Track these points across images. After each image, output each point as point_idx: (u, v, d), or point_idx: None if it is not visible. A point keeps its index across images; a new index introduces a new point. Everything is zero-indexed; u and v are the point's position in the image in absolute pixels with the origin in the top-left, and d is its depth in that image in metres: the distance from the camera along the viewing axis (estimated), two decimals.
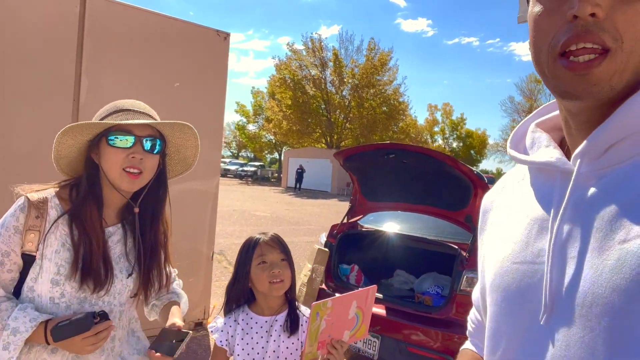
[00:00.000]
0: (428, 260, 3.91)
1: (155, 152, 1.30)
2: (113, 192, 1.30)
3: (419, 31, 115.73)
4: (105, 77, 3.35)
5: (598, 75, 0.53)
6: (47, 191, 1.28)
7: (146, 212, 1.36)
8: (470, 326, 0.92)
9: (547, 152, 0.64)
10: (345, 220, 3.85)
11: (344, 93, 33.59)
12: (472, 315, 0.91)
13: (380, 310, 3.12)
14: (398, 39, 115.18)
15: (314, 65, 33.51)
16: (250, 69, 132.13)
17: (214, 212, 4.12)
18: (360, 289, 1.26)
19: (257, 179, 37.61)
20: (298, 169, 28.47)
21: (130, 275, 1.33)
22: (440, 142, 54.12)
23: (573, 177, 0.58)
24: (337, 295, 1.25)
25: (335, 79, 33.23)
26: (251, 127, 49.01)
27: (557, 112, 0.69)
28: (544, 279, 0.58)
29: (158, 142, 1.31)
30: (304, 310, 1.58)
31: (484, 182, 3.02)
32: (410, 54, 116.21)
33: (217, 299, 4.87)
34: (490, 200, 0.79)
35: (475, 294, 0.86)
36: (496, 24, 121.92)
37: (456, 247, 3.13)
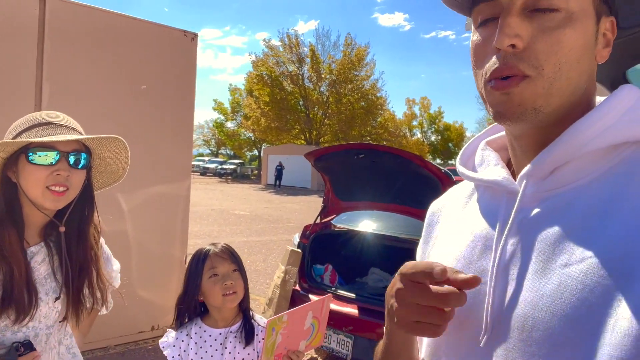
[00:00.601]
0: (403, 258, 3.93)
1: (80, 167, 1.22)
2: (34, 211, 1.21)
3: (396, 25, 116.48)
4: (68, 81, 3.27)
5: (519, 96, 0.55)
6: None
7: (72, 230, 1.28)
8: None
9: (494, 170, 0.65)
10: (318, 221, 3.86)
11: (321, 89, 33.56)
12: None
13: (353, 310, 3.14)
14: (375, 33, 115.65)
15: (291, 61, 33.36)
16: (228, 66, 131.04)
17: (186, 214, 4.07)
18: (315, 298, 1.26)
19: (237, 176, 37.34)
20: (277, 165, 28.37)
21: (57, 298, 1.24)
22: (419, 135, 54.64)
23: (518, 198, 0.58)
24: (292, 308, 1.25)
25: (312, 74, 33.15)
26: (230, 125, 48.61)
27: None
28: (486, 300, 0.57)
29: (83, 156, 1.22)
30: (259, 320, 1.57)
31: (452, 180, 3.05)
32: (388, 49, 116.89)
33: None
34: (436, 213, 0.79)
35: None
36: None
37: None
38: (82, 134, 1.25)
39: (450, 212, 0.75)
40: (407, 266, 0.59)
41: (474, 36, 0.61)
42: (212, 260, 1.50)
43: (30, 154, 1.15)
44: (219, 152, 61.77)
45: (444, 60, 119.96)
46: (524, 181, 0.59)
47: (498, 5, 0.56)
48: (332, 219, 3.98)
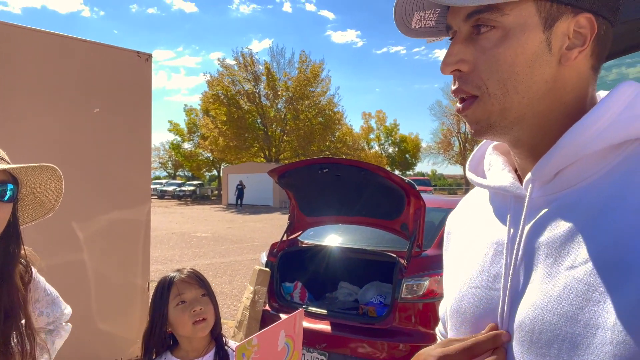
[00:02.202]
0: (371, 270, 3.96)
1: (6, 199, 1.04)
2: None
3: (349, 42, 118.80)
4: (14, 109, 3.10)
5: (472, 117, 0.60)
6: None
7: None
8: (439, 339, 0.91)
9: (501, 175, 0.65)
10: (284, 238, 3.81)
11: (279, 106, 33.63)
12: (441, 327, 0.91)
13: (325, 327, 3.10)
14: (329, 50, 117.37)
15: (246, 79, 33.29)
16: (182, 86, 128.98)
17: (147, 240, 3.92)
18: (285, 316, 1.21)
19: (197, 198, 36.56)
20: (238, 185, 28.01)
21: None
22: (377, 148, 55.63)
23: (526, 203, 0.59)
24: (261, 330, 1.20)
25: (269, 92, 33.19)
26: (187, 146, 47.69)
27: None
28: (500, 306, 0.59)
29: (9, 187, 1.04)
30: (233, 345, 1.49)
31: (416, 190, 3.11)
32: (342, 65, 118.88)
33: None
34: (453, 221, 0.80)
35: (441, 311, 0.87)
36: None
37: (395, 255, 3.19)
38: (7, 162, 1.09)
39: (466, 219, 0.76)
40: (434, 355, 0.59)
41: None
42: (178, 286, 1.42)
43: None
44: (177, 174, 60.39)
45: (397, 74, 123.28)
46: (530, 185, 0.60)
47: (453, 33, 0.61)
48: (299, 235, 3.95)
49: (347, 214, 3.64)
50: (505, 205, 0.65)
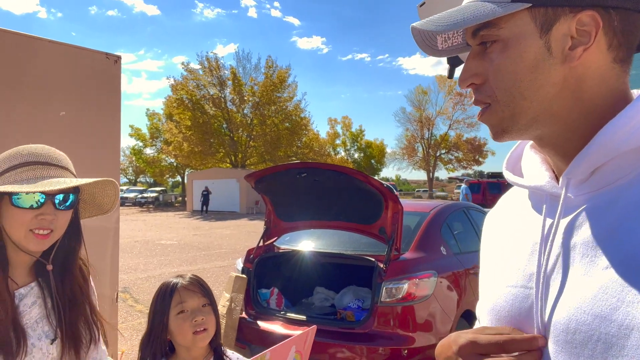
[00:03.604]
0: (347, 275, 3.96)
1: (67, 206, 1.16)
2: (19, 253, 1.14)
3: (315, 48, 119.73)
4: None
5: (487, 123, 0.64)
6: None
7: (58, 265, 1.22)
8: None
9: (537, 174, 0.66)
10: (261, 244, 3.76)
11: (245, 111, 33.36)
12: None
13: None
14: (295, 56, 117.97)
15: (212, 84, 32.88)
16: (144, 90, 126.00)
17: (116, 249, 3.77)
18: (299, 332, 1.20)
19: (160, 205, 35.63)
20: (203, 191, 27.50)
21: (54, 340, 1.15)
22: (343, 153, 56.10)
23: (561, 202, 0.59)
24: (273, 346, 1.16)
25: (235, 97, 32.89)
26: (149, 151, 46.51)
27: None
28: (535, 305, 0.59)
29: (71, 196, 1.16)
30: (231, 355, 1.45)
31: (394, 195, 3.13)
32: (308, 71, 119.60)
33: (125, 342, 4.45)
34: (491, 220, 0.80)
35: (478, 311, 0.86)
36: (384, 41, 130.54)
37: (373, 259, 3.20)
38: (72, 173, 1.20)
39: (503, 218, 0.76)
40: (467, 339, 0.61)
41: None
42: (181, 294, 1.37)
43: (15, 196, 1.08)
44: (138, 180, 58.76)
45: (361, 80, 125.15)
46: (566, 184, 0.60)
47: None
48: (275, 240, 3.90)
49: (324, 219, 3.63)
50: (540, 203, 0.65)
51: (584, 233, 0.56)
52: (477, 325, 0.88)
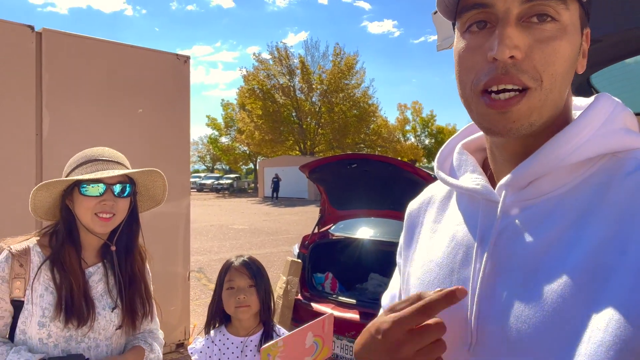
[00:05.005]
0: None
1: (125, 195, 1.41)
2: (89, 235, 1.41)
3: (386, 32, 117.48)
4: (66, 110, 3.38)
5: (517, 113, 0.54)
6: (29, 240, 1.40)
7: (121, 247, 1.47)
8: None
9: (473, 177, 0.65)
10: (316, 230, 3.96)
11: (313, 99, 33.75)
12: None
13: (354, 316, 3.23)
14: (365, 41, 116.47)
15: (281, 73, 33.58)
16: (220, 81, 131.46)
17: (187, 232, 4.17)
18: (313, 320, 1.22)
19: (234, 191, 37.31)
20: (274, 178, 28.37)
21: (114, 309, 1.42)
22: (413, 140, 54.92)
23: (499, 209, 0.59)
24: (288, 333, 1.23)
25: (304, 86, 33.36)
26: (224, 140, 48.71)
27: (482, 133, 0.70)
28: (469, 311, 0.58)
29: (127, 186, 1.42)
30: (278, 331, 1.66)
31: None
32: (378, 55, 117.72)
33: (198, 317, 4.89)
34: (414, 215, 0.79)
35: (385, 300, 0.86)
36: None
37: None
38: (127, 167, 1.45)
39: (429, 214, 0.75)
40: (390, 322, 0.57)
41: (459, 43, 0.59)
42: (231, 273, 1.62)
43: (83, 186, 1.35)
44: (215, 167, 61.69)
45: (433, 64, 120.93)
46: (504, 191, 0.60)
47: (492, 13, 0.55)
48: (330, 228, 4.08)
49: (376, 208, 3.74)
50: (474, 207, 0.64)
51: (521, 242, 0.56)
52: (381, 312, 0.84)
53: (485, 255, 0.58)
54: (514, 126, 0.55)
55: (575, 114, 0.63)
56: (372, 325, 0.62)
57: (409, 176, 3.25)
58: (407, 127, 54.82)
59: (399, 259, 0.82)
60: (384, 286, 3.99)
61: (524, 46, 0.53)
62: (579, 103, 0.65)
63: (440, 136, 55.19)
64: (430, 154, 53.28)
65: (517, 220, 0.58)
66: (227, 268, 1.64)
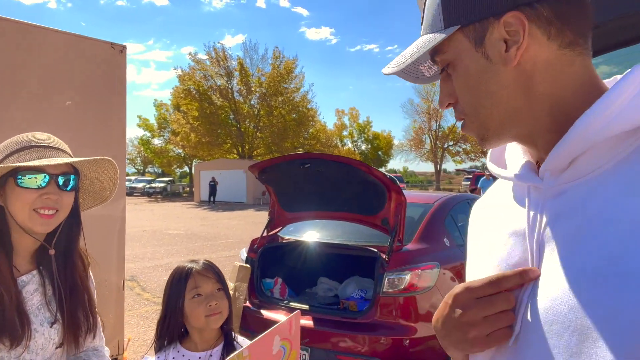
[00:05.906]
0: (351, 266, 3.98)
1: (69, 189, 1.20)
2: (23, 236, 1.18)
3: (323, 39, 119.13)
4: None
5: (468, 134, 0.69)
6: None
7: (60, 251, 1.26)
8: None
9: (519, 165, 0.67)
10: (265, 234, 3.79)
11: (252, 102, 33.35)
12: None
13: (307, 322, 3.09)
14: (303, 47, 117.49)
15: (219, 75, 32.86)
16: (153, 81, 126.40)
17: (122, 237, 3.82)
18: (280, 322, 1.16)
19: (168, 195, 35.89)
20: (211, 181, 27.64)
21: (53, 324, 1.20)
22: (350, 145, 55.94)
23: (542, 192, 0.61)
24: (252, 340, 1.13)
25: (242, 88, 32.87)
26: (157, 142, 46.74)
27: None
28: (518, 296, 0.60)
29: (72, 178, 1.21)
30: (241, 342, 1.50)
31: (397, 186, 3.13)
32: (316, 61, 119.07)
33: (132, 330, 4.52)
34: (477, 211, 0.82)
35: None
36: (394, 31, 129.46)
37: (376, 250, 3.21)
38: (70, 156, 1.24)
39: (489, 209, 0.77)
40: (461, 287, 0.63)
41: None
42: (195, 278, 1.41)
43: (19, 177, 1.12)
44: (146, 170, 59.13)
45: (370, 72, 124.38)
46: (546, 174, 0.60)
47: None
48: (279, 231, 3.93)
49: (328, 210, 3.64)
50: (523, 195, 0.65)
51: (562, 226, 0.57)
52: None
53: (530, 241, 0.60)
54: (476, 137, 0.67)
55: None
56: (447, 295, 0.66)
57: (364, 176, 3.18)
58: (345, 133, 55.81)
59: (468, 253, 0.85)
60: (333, 290, 3.90)
61: (453, 92, 0.66)
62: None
63: (376, 142, 56.73)
64: (366, 159, 54.55)
65: (560, 204, 0.58)
66: (186, 275, 1.42)
